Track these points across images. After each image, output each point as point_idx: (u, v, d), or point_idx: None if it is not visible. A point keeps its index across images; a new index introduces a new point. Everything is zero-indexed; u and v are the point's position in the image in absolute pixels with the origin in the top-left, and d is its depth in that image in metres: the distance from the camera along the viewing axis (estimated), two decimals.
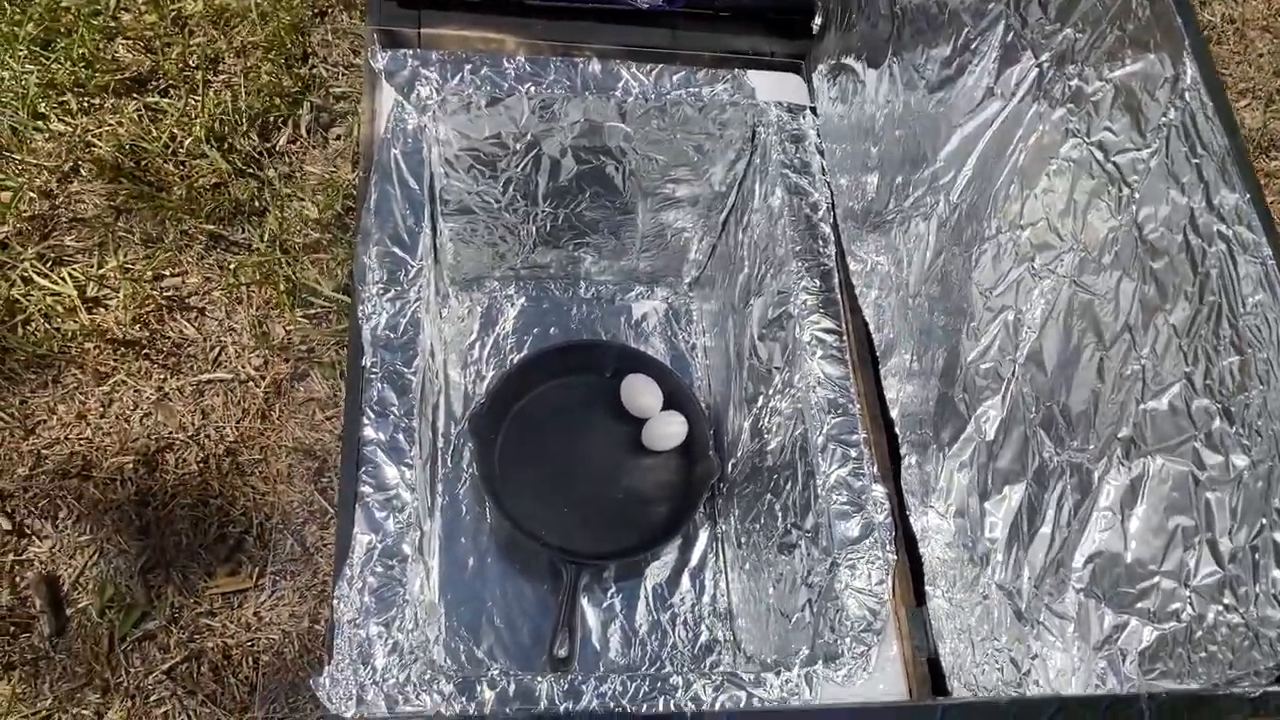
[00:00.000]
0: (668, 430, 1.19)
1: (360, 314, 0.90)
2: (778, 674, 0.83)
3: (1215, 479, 0.56)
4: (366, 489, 0.83)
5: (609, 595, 1.13)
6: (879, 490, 0.89)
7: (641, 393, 1.20)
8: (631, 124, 1.08)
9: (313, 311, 1.31)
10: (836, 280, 0.99)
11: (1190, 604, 0.57)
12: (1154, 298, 0.59)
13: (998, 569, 0.72)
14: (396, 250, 0.94)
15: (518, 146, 1.10)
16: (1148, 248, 0.59)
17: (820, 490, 0.91)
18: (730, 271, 1.18)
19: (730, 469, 1.15)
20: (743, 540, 1.11)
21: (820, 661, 0.84)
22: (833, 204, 1.02)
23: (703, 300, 1.31)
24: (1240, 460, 0.54)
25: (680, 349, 1.29)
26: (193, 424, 1.23)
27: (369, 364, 0.88)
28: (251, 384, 1.26)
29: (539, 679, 0.80)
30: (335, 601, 0.79)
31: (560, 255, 1.26)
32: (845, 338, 0.97)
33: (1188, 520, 0.57)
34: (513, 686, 0.79)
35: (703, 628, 1.12)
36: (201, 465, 1.21)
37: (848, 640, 0.85)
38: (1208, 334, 0.56)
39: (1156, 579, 0.59)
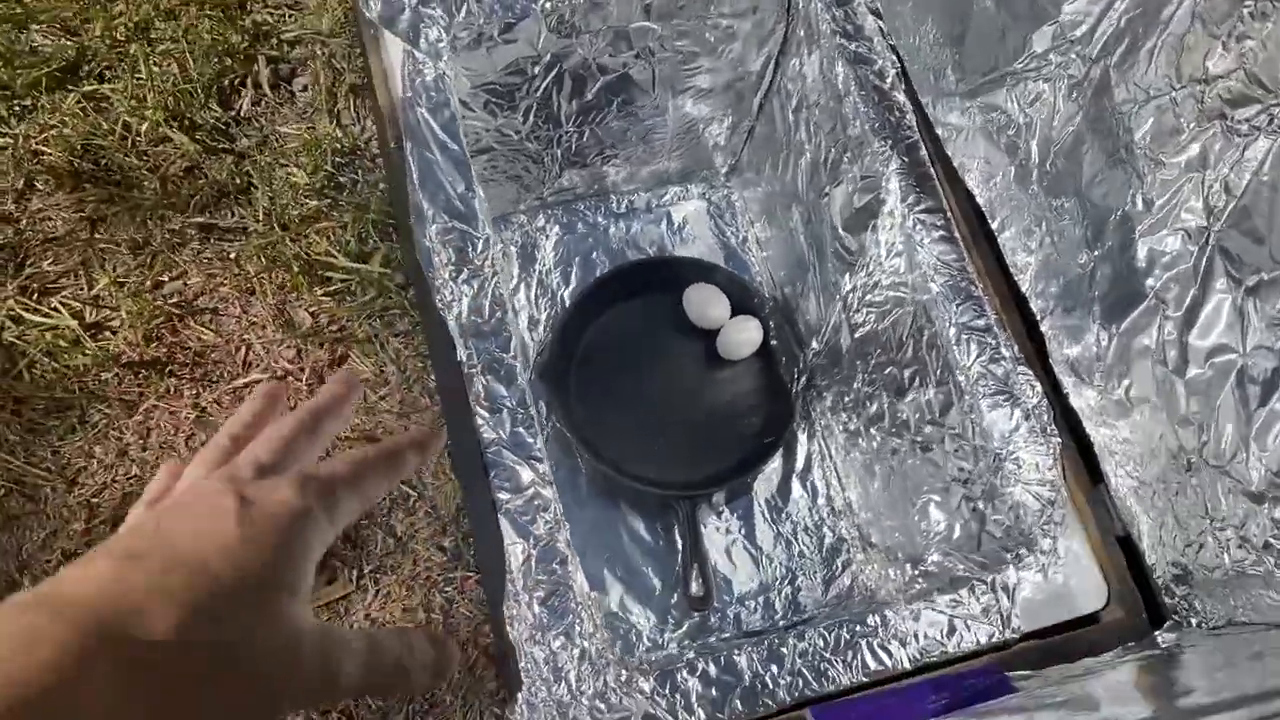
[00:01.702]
0: (743, 336, 1.12)
1: (439, 303, 0.81)
2: (969, 588, 0.79)
3: None
4: (503, 495, 0.77)
5: (723, 519, 1.08)
6: (1026, 373, 0.84)
7: (707, 303, 1.13)
8: (659, 19, 0.97)
9: (333, 288, 1.21)
10: (925, 154, 0.91)
11: None
12: None
13: (1210, 446, 0.68)
14: (457, 224, 0.84)
15: (536, 71, 0.99)
16: None
17: (964, 386, 0.85)
18: (781, 156, 1.10)
19: (818, 361, 1.10)
20: (857, 437, 1.06)
21: (1013, 564, 0.80)
22: (903, 69, 0.93)
23: (744, 188, 1.22)
24: None
25: (731, 245, 1.21)
26: None
27: (464, 358, 0.80)
28: (291, 379, 1.17)
29: (736, 652, 0.75)
30: (508, 623, 0.73)
31: (586, 174, 1.17)
32: (950, 214, 0.90)
33: None
34: (712, 666, 0.75)
35: (825, 529, 1.08)
36: None
37: (1030, 535, 0.81)
38: None
39: None
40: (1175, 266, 0.68)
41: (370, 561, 1.11)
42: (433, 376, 1.18)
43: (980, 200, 0.87)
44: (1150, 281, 0.70)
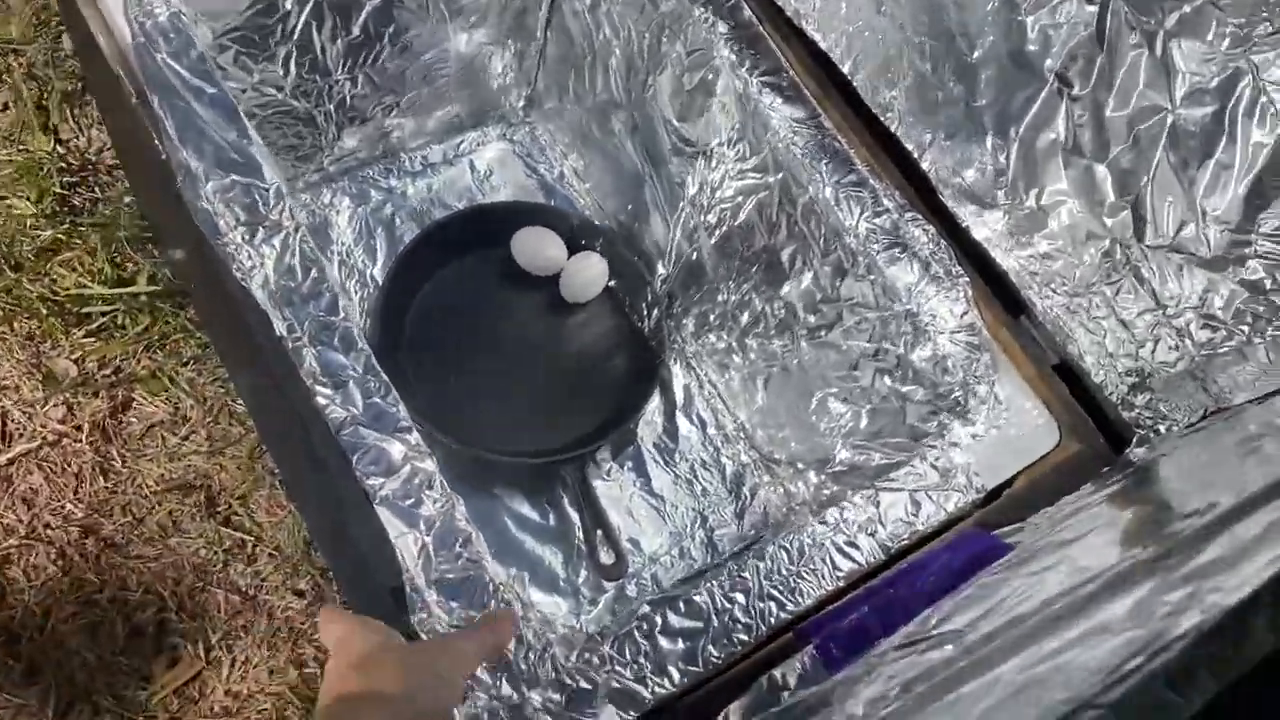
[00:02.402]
0: (588, 275, 1.01)
1: (238, 273, 0.66)
2: (921, 457, 0.71)
3: None
4: (375, 481, 0.62)
5: (614, 476, 0.97)
6: (915, 218, 0.76)
7: (539, 246, 1.01)
8: None
9: (96, 325, 1.00)
10: (749, 13, 0.82)
11: None
12: None
13: (1149, 226, 0.62)
14: (238, 177, 0.68)
15: (288, 6, 0.84)
16: None
17: (855, 247, 0.77)
18: (585, 66, 0.98)
19: (674, 283, 1.00)
20: (732, 354, 0.96)
21: (956, 421, 0.72)
22: None
23: (548, 120, 1.10)
24: None
25: (548, 182, 1.09)
26: (20, 520, 0.93)
27: (284, 331, 0.65)
28: (66, 440, 0.96)
29: (696, 593, 0.64)
30: (420, 632, 0.59)
31: (369, 132, 1.02)
32: (793, 71, 0.81)
33: None
34: (673, 615, 0.63)
35: (724, 459, 0.99)
36: (60, 562, 0.92)
37: (965, 384, 0.74)
38: None
39: None
40: (1074, 37, 0.62)
41: (216, 629, 0.92)
42: (239, 401, 1.00)
43: (825, 45, 0.78)
44: (1048, 64, 0.63)
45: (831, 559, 0.66)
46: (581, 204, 1.08)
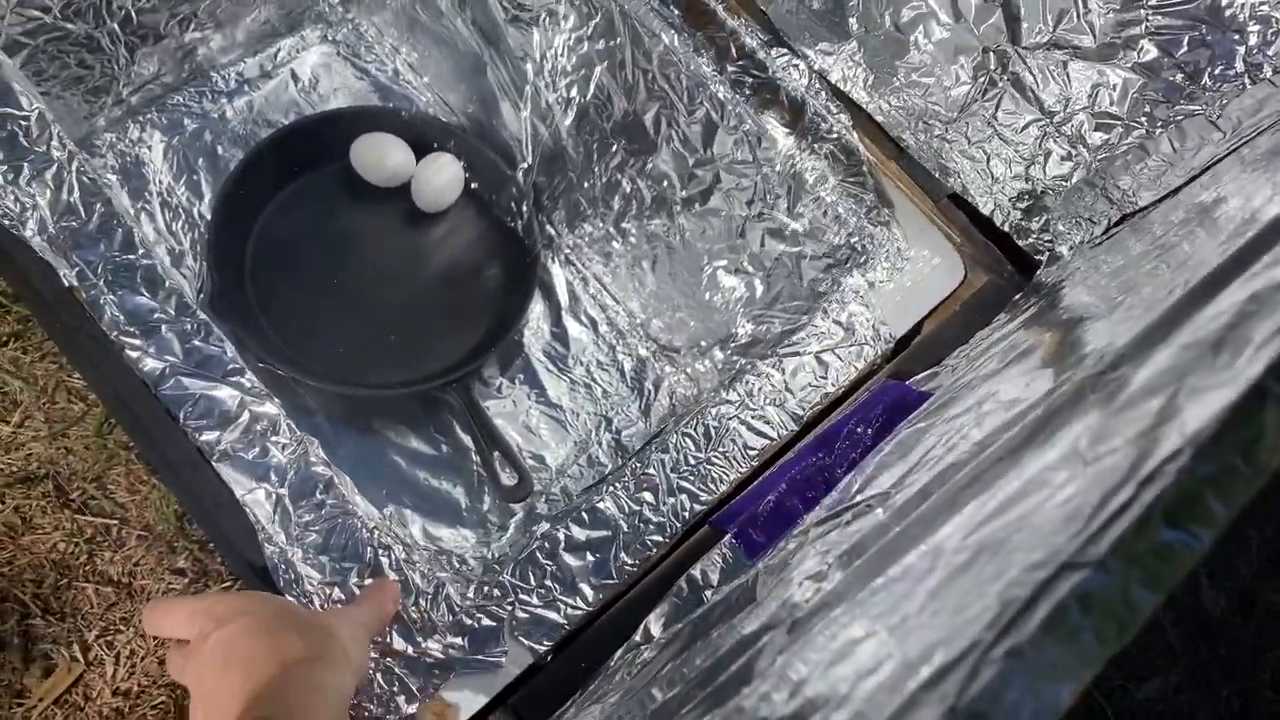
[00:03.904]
0: (441, 179, 0.91)
1: (6, 222, 0.55)
2: (822, 313, 0.65)
3: None
4: (209, 436, 0.53)
5: (505, 392, 0.89)
6: (783, 53, 0.69)
7: (383, 154, 0.91)
8: None
9: None
10: None
11: None
12: None
13: (1024, 25, 0.55)
14: None
15: None
16: None
17: (723, 97, 0.69)
18: None
19: (538, 175, 0.91)
20: (611, 240, 0.89)
21: (853, 271, 0.66)
22: None
23: (370, 13, 0.99)
24: None
25: (382, 82, 0.98)
26: None
27: (75, 281, 0.55)
28: None
29: (599, 500, 0.57)
30: (289, 598, 0.51)
31: (168, 51, 0.89)
32: None
33: None
34: (576, 529, 0.56)
35: (620, 355, 0.92)
36: None
37: (859, 233, 0.67)
38: None
39: None
40: None
41: (91, 627, 0.83)
42: (76, 375, 0.89)
43: None
44: None
45: (741, 439, 0.60)
46: (423, 101, 0.98)
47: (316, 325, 0.86)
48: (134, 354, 0.54)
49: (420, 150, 0.91)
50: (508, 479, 0.82)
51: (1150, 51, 0.51)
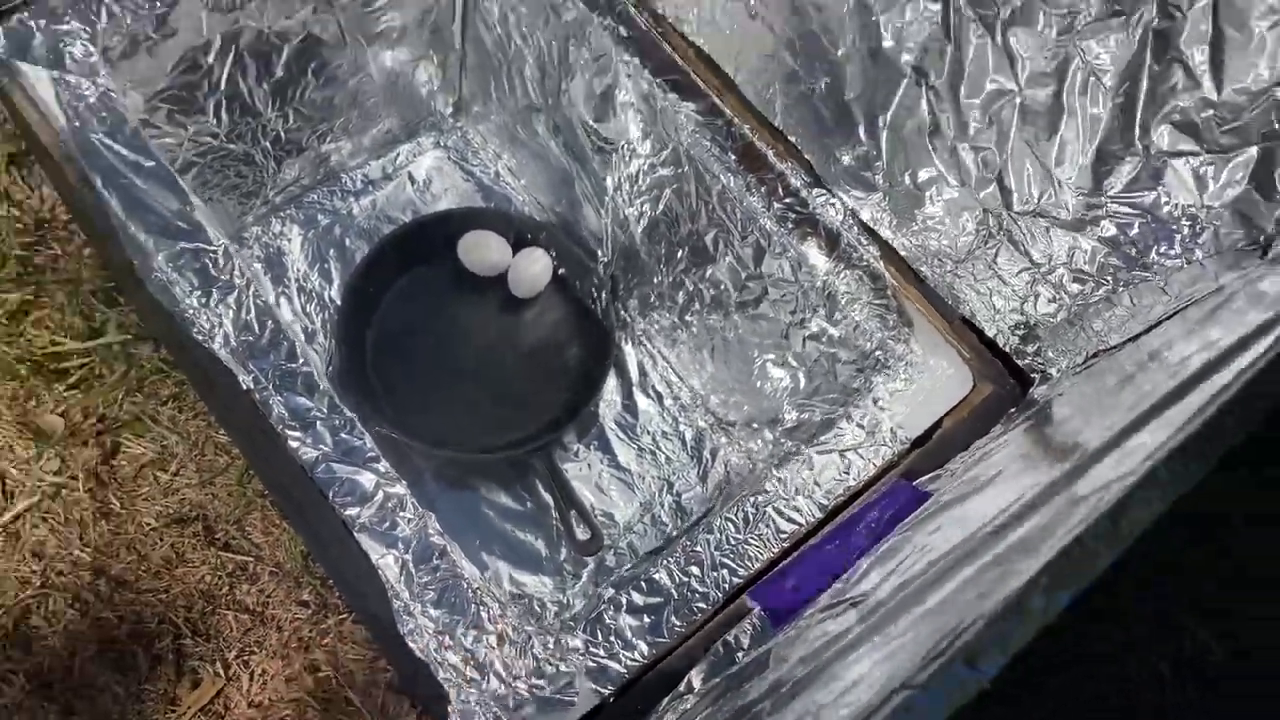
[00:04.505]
0: (533, 270, 1.06)
1: (199, 336, 0.71)
2: (847, 418, 0.77)
3: None
4: (352, 511, 0.68)
5: (581, 457, 1.03)
6: (822, 193, 0.82)
7: (485, 249, 1.06)
8: None
9: (75, 378, 1.06)
10: (640, 19, 0.87)
11: None
12: None
13: (1015, 195, 0.68)
14: (185, 244, 0.73)
15: (210, 60, 0.88)
16: None
17: (769, 229, 0.83)
18: (503, 74, 1.03)
19: (614, 269, 1.05)
20: (677, 329, 1.02)
21: (878, 379, 0.79)
22: None
23: (477, 123, 1.14)
24: None
25: (486, 184, 1.14)
26: (34, 572, 0.99)
27: (250, 384, 0.70)
28: (65, 492, 1.02)
29: (654, 571, 0.70)
30: (409, 640, 0.65)
31: (307, 160, 1.06)
32: (689, 68, 0.86)
33: None
34: (636, 594, 0.70)
35: (682, 427, 1.05)
36: (77, 605, 0.98)
37: (883, 344, 0.80)
38: None
39: None
40: (924, 32, 0.67)
41: (231, 648, 0.99)
42: (222, 431, 1.06)
43: (707, 49, 0.83)
44: (904, 58, 0.68)
45: (774, 523, 0.73)
46: (520, 200, 1.13)
47: (426, 396, 1.01)
48: (294, 444, 0.69)
49: (516, 244, 1.06)
50: (582, 534, 0.96)
51: (1110, 229, 0.62)
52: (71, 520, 1.01)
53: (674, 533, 1.00)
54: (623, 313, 1.07)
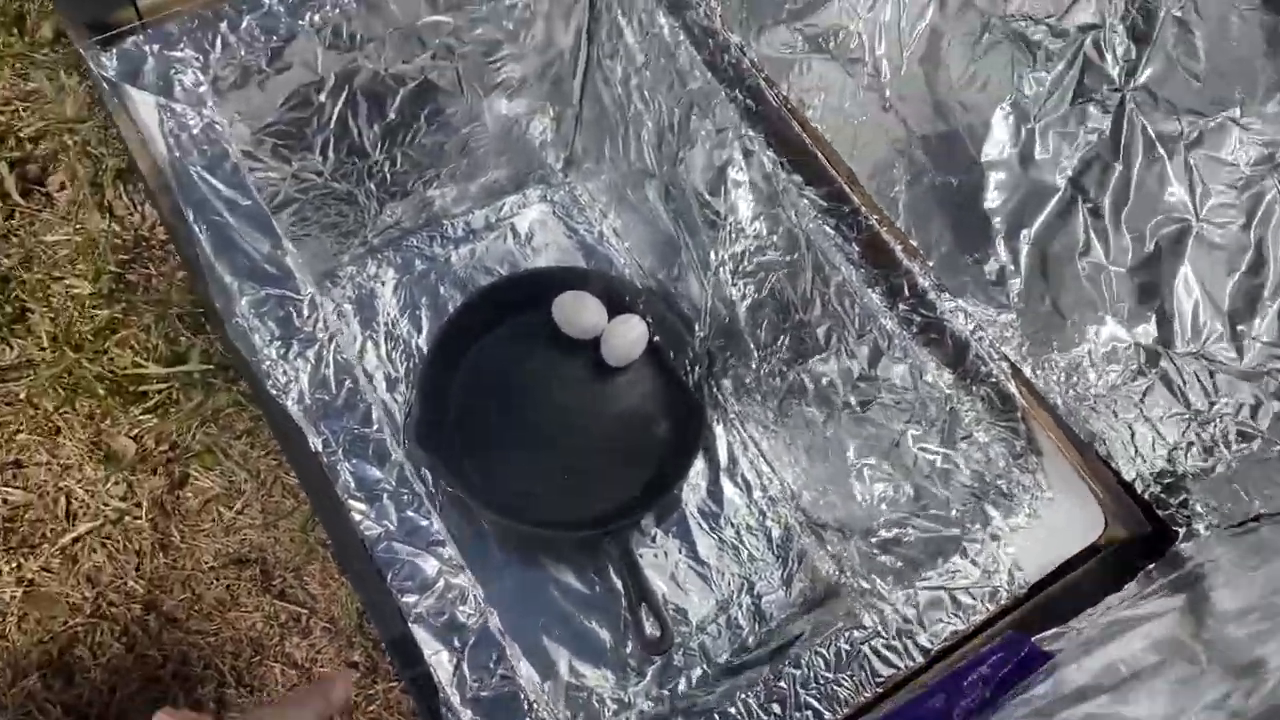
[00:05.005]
0: (628, 339, 1.00)
1: (273, 390, 0.67)
2: (961, 552, 0.69)
3: None
4: (410, 599, 0.63)
5: (659, 543, 0.96)
6: (951, 301, 0.75)
7: (580, 311, 1.01)
8: (448, 10, 0.84)
9: (152, 402, 1.03)
10: (771, 95, 0.81)
11: None
12: None
13: (1178, 331, 0.60)
14: (271, 290, 0.70)
15: (322, 98, 0.85)
16: None
17: (891, 330, 0.76)
18: (620, 134, 0.98)
19: (713, 344, 0.99)
20: (778, 415, 0.96)
21: (997, 513, 0.71)
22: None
23: (586, 180, 1.10)
24: None
25: (588, 242, 1.09)
26: (85, 598, 0.96)
27: (319, 446, 0.66)
28: (128, 518, 0.99)
29: (730, 705, 0.64)
30: None
31: (410, 203, 1.03)
32: (819, 153, 0.80)
33: None
34: None
35: (769, 523, 0.98)
36: (124, 639, 0.95)
37: (1008, 474, 0.72)
38: None
39: None
40: (1088, 144, 0.60)
41: (274, 699, 0.95)
42: (291, 473, 1.02)
43: (827, 135, 0.77)
44: (1062, 172, 0.61)
45: (870, 664, 0.65)
46: (621, 262, 1.08)
47: (502, 459, 0.96)
48: (358, 517, 0.64)
49: (613, 309, 1.01)
50: (651, 630, 0.89)
51: None
52: (130, 549, 0.98)
53: (749, 638, 0.93)
54: (716, 392, 1.01)
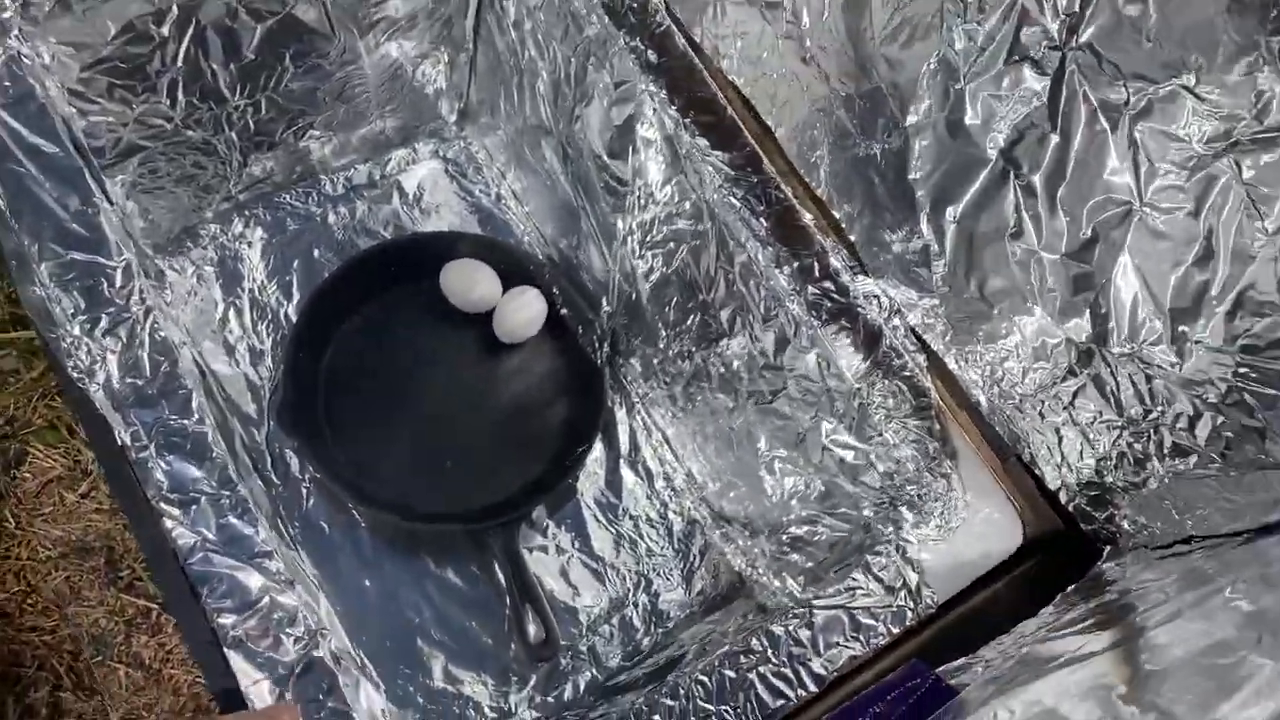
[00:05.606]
0: (523, 313, 0.91)
1: (73, 373, 0.57)
2: (864, 569, 0.62)
3: None
4: (226, 620, 0.54)
5: (550, 536, 0.88)
6: (865, 284, 0.67)
7: (471, 281, 0.92)
8: None
9: None
10: (681, 44, 0.73)
11: None
12: None
13: (1114, 330, 0.53)
14: (77, 255, 0.60)
15: (165, 31, 0.74)
16: None
17: (796, 315, 0.68)
18: (514, 84, 0.89)
19: (617, 322, 0.91)
20: (680, 400, 0.88)
21: (906, 522, 0.64)
22: None
23: (483, 135, 1.00)
24: None
25: (484, 205, 1.00)
26: None
27: (127, 440, 0.56)
28: None
29: None
30: None
31: (282, 155, 0.92)
32: (730, 111, 0.71)
33: None
34: None
35: (670, 515, 0.90)
36: None
37: (918, 479, 0.65)
38: None
39: None
40: (1022, 111, 0.52)
41: (116, 708, 0.85)
42: None
43: (746, 91, 0.69)
44: (993, 141, 0.54)
45: (755, 694, 0.58)
46: (521, 229, 0.99)
47: (379, 443, 0.87)
48: (170, 523, 0.55)
49: (508, 281, 0.92)
50: (535, 633, 0.81)
51: (1236, 396, 0.47)
52: None
53: (644, 640, 0.86)
54: (620, 375, 0.93)
